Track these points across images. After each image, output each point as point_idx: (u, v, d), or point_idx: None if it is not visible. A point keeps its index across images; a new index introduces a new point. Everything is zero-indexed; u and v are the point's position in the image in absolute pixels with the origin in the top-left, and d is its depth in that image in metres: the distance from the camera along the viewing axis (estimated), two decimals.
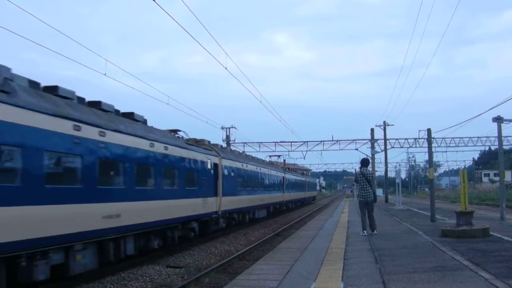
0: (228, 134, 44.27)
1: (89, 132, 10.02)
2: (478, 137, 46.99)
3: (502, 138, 20.57)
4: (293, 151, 47.72)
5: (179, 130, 17.15)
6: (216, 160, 19.24)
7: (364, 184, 13.71)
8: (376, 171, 45.49)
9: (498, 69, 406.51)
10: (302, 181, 52.16)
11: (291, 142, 47.25)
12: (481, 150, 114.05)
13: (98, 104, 11.56)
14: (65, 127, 9.22)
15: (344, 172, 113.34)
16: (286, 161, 64.69)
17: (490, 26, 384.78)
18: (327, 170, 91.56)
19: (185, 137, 17.44)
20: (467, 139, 46.98)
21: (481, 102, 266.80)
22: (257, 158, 34.49)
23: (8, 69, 8.61)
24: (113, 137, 10.96)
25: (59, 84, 10.13)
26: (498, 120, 18.20)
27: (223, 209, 19.51)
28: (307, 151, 47.79)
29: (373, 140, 43.87)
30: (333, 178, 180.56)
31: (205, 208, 17.32)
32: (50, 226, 8.69)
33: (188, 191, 15.75)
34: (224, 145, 40.06)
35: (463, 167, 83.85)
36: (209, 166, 18.15)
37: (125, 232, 11.39)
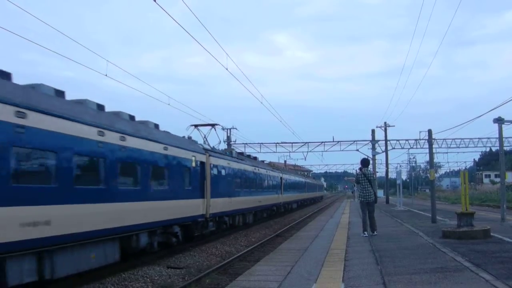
0: (228, 135, 44.23)
1: (262, 170, 28.63)
2: (479, 138, 46.97)
3: (503, 139, 20.54)
4: (294, 152, 47.78)
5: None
6: (280, 175, 36.26)
7: (365, 184, 13.67)
8: (377, 172, 45.43)
9: (498, 70, 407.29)
10: (315, 184, 70.50)
11: (292, 143, 47.28)
12: (482, 151, 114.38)
13: (249, 156, 29.60)
14: (251, 168, 25.59)
15: (345, 173, 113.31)
16: (287, 162, 64.63)
17: (490, 27, 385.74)
18: (328, 171, 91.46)
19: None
20: (468, 140, 46.93)
21: (481, 102, 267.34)
22: (291, 167, 62.03)
23: (233, 149, 29.87)
24: (261, 171, 28.28)
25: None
26: (499, 121, 18.16)
27: (283, 201, 36.07)
28: (307, 152, 47.86)
29: (374, 141, 43.80)
30: (334, 179, 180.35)
31: (277, 200, 33.60)
32: (247, 205, 23.46)
33: (273, 191, 32.49)
34: (225, 145, 40.23)
35: (464, 168, 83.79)
36: (278, 179, 34.90)
37: (261, 209, 27.74)
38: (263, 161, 36.76)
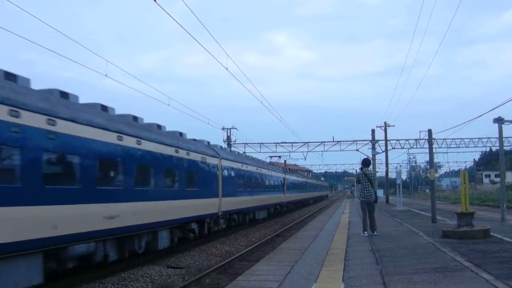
0: (229, 134, 44.34)
1: (300, 179, 51.01)
2: (479, 138, 46.96)
3: (503, 139, 20.56)
4: (294, 151, 47.80)
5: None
6: (306, 180, 54.03)
7: (366, 184, 13.66)
8: (377, 172, 45.42)
9: (498, 69, 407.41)
10: (322, 185, 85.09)
11: (291, 142, 47.29)
12: (482, 151, 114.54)
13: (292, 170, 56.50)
14: (296, 177, 47.55)
15: (345, 173, 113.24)
16: (287, 162, 64.74)
17: (490, 26, 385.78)
18: (327, 171, 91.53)
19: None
20: (468, 140, 46.93)
21: (481, 102, 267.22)
22: (309, 174, 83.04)
23: (287, 168, 53.41)
24: (300, 178, 51.45)
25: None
26: (499, 121, 18.18)
27: (307, 197, 54.17)
28: (307, 151, 47.90)
29: (374, 141, 43.81)
30: (334, 179, 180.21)
31: (304, 196, 50.58)
32: (298, 198, 45.93)
33: (301, 190, 48.57)
34: (225, 145, 40.27)
35: (464, 168, 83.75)
36: (305, 183, 51.48)
37: (299, 201, 47.96)
38: (290, 169, 55.84)
